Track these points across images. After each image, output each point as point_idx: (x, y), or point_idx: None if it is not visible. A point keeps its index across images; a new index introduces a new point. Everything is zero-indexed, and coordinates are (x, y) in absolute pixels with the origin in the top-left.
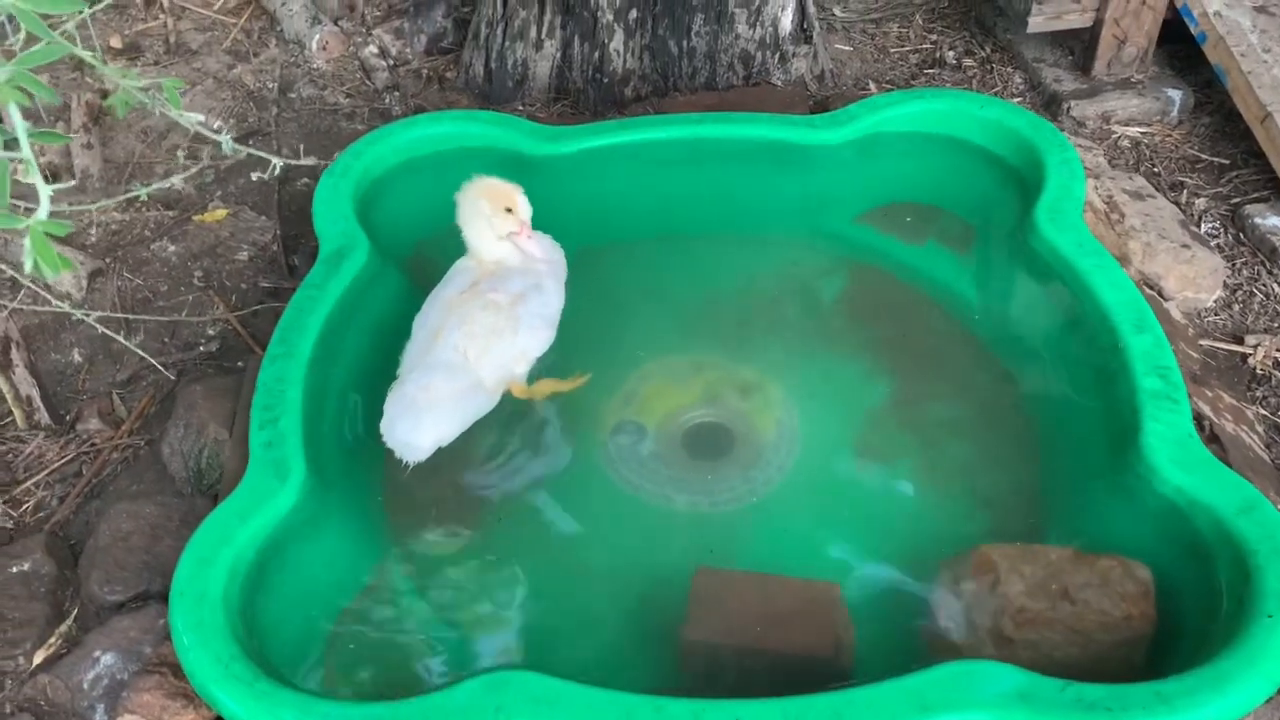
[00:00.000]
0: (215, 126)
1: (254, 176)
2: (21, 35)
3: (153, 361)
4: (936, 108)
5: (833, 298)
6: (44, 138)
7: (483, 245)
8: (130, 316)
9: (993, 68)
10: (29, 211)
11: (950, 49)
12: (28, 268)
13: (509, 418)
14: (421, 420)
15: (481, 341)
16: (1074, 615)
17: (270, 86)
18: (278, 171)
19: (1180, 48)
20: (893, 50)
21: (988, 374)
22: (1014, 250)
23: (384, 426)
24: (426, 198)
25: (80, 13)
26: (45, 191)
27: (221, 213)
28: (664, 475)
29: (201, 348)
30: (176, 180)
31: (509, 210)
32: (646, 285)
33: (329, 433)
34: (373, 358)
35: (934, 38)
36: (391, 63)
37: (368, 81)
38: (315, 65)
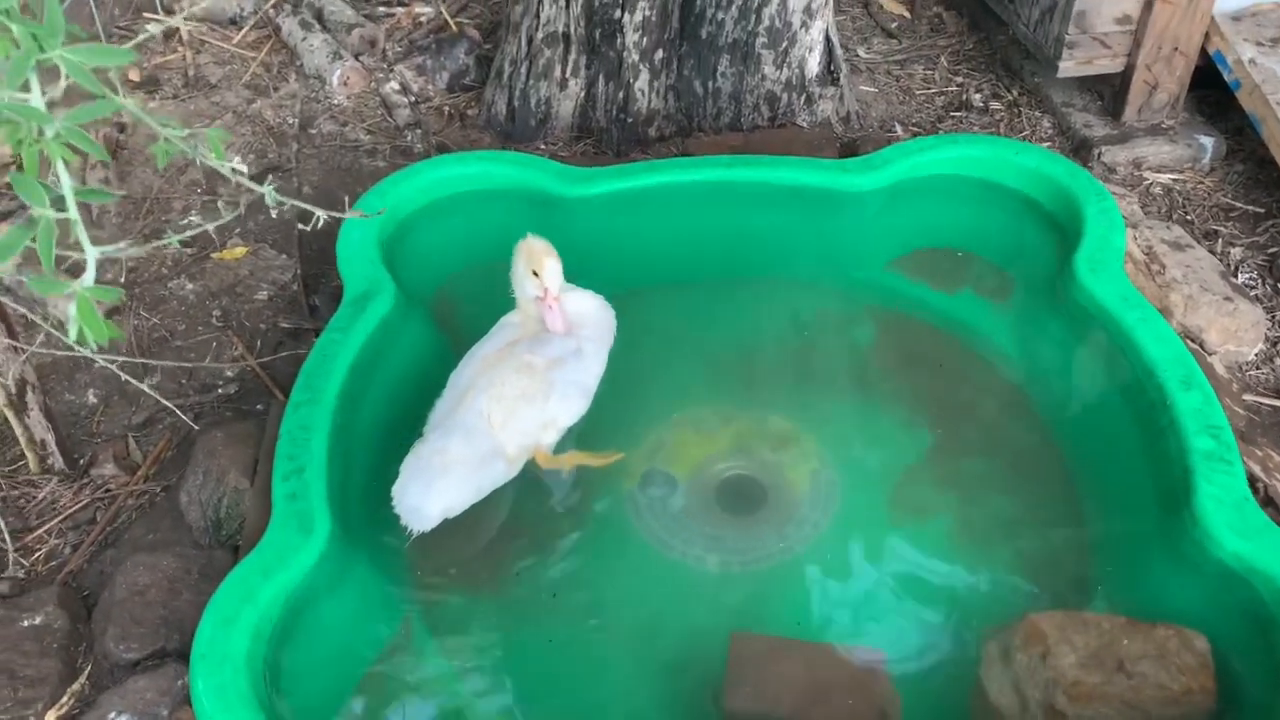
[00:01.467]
0: (235, 164)
1: (274, 213)
2: (61, 85)
3: (169, 405)
4: (972, 154)
5: (865, 346)
6: (90, 195)
7: (526, 303)
8: (148, 361)
9: (1020, 111)
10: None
11: (977, 91)
12: (72, 336)
13: (532, 464)
14: (432, 486)
15: (508, 406)
16: (1130, 689)
17: (291, 122)
18: (320, 224)
19: (1211, 93)
20: (918, 92)
21: (1028, 427)
22: (1053, 300)
23: (396, 489)
24: (452, 239)
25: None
26: (92, 255)
27: (241, 250)
28: (695, 531)
29: (220, 390)
30: (208, 225)
31: (535, 274)
32: (675, 330)
33: (354, 483)
34: (399, 405)
35: (960, 80)
36: (413, 99)
37: (389, 118)
38: (336, 101)
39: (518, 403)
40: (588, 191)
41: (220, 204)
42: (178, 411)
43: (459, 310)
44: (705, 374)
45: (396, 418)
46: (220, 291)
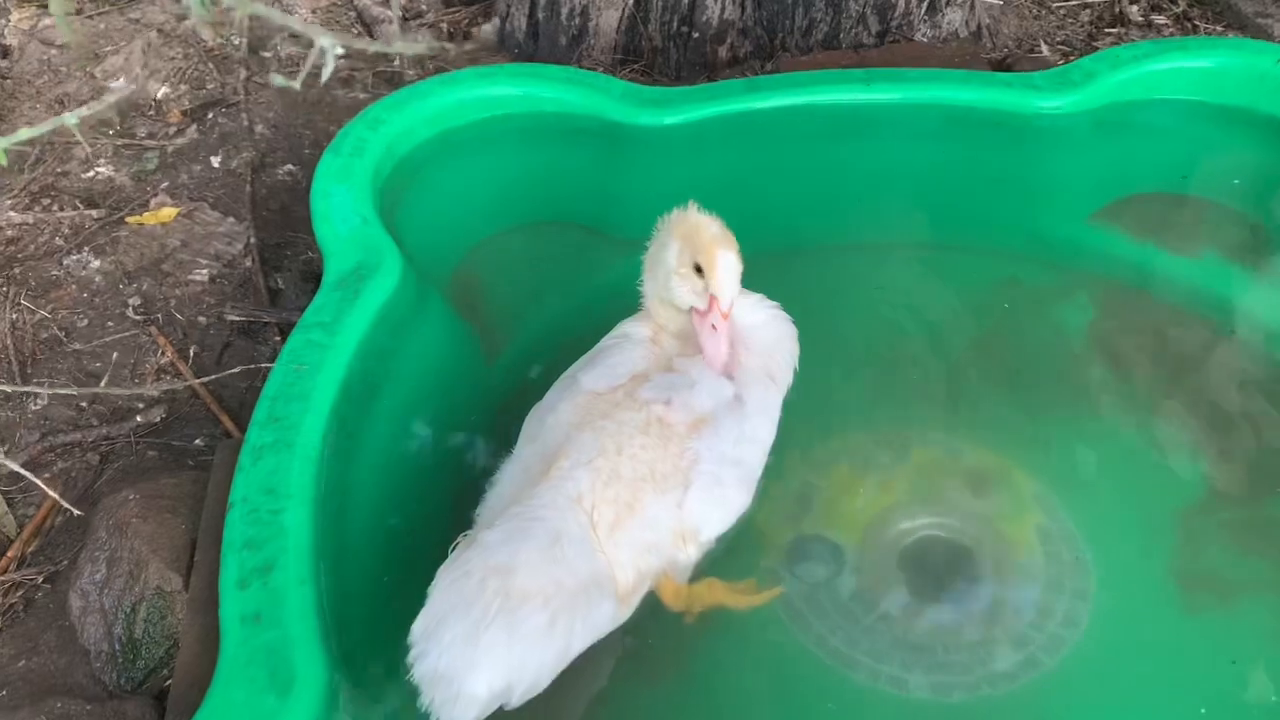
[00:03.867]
0: (160, 94)
1: (215, 162)
2: None
3: (58, 441)
4: (1208, 63)
5: (1082, 333)
6: None
7: (667, 310)
8: (29, 389)
9: (1196, 27)
10: None
11: (1133, 3)
12: None
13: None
14: (482, 641)
15: (623, 493)
16: None
17: (237, 43)
18: (332, 64)
19: None
20: (1055, 6)
21: None
22: None
23: (419, 638)
24: (476, 189)
25: None
26: None
27: (170, 212)
28: (881, 633)
29: (139, 417)
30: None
31: (699, 271)
32: (804, 320)
33: (355, 582)
34: (425, 452)
35: None
36: (400, 13)
37: (368, 36)
38: (297, 13)
39: (640, 489)
40: (666, 120)
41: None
42: (73, 450)
43: (491, 298)
44: (857, 382)
45: (419, 475)
46: (140, 270)
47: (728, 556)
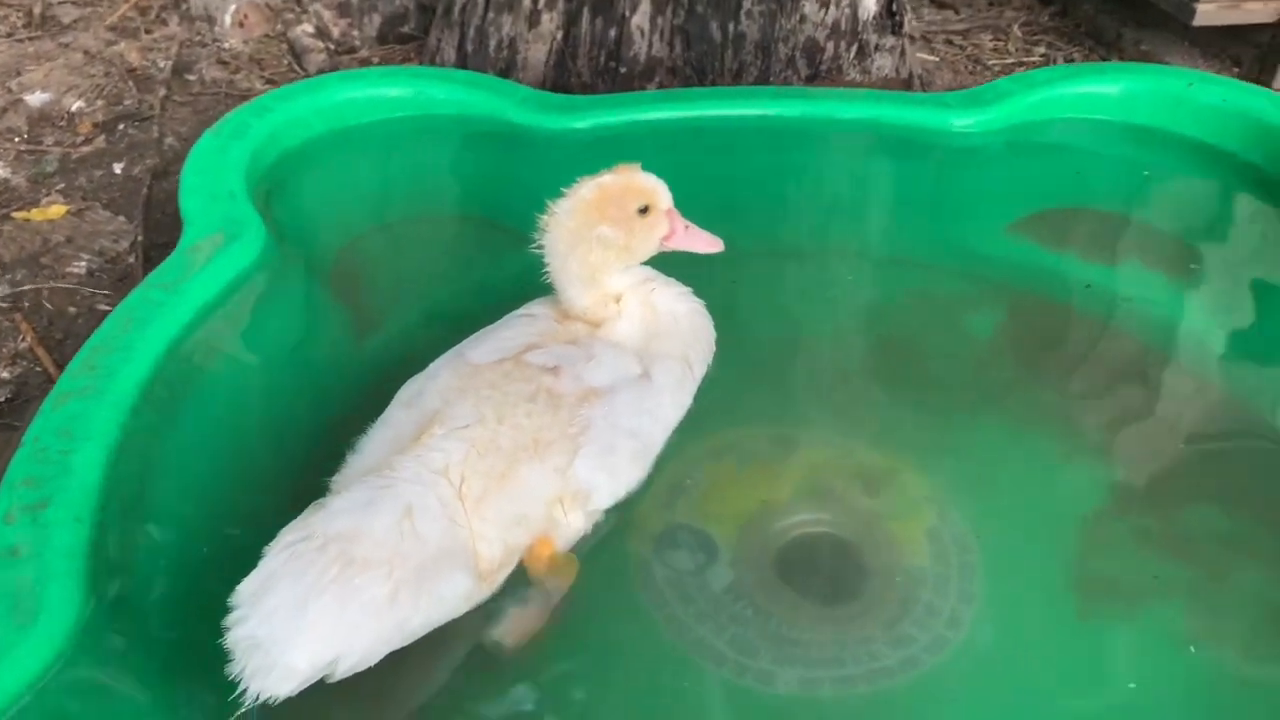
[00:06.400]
0: (74, 108)
1: (118, 169)
2: None
3: None
4: (1125, 88)
5: (988, 340)
6: None
7: (581, 293)
8: None
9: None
10: None
11: (1067, 61)
12: None
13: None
14: (311, 610)
15: (497, 464)
16: None
17: (161, 65)
18: None
19: None
20: (990, 62)
21: (1274, 458)
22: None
23: (242, 599)
24: (365, 182)
25: None
26: None
27: (59, 210)
28: (751, 627)
29: None
30: None
31: (644, 211)
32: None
33: (153, 548)
34: (273, 424)
35: (1042, 50)
36: (332, 46)
37: (297, 67)
38: (228, 45)
39: (518, 459)
40: (569, 125)
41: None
42: None
43: (374, 283)
44: (754, 382)
45: (262, 441)
46: (16, 262)
47: (599, 543)
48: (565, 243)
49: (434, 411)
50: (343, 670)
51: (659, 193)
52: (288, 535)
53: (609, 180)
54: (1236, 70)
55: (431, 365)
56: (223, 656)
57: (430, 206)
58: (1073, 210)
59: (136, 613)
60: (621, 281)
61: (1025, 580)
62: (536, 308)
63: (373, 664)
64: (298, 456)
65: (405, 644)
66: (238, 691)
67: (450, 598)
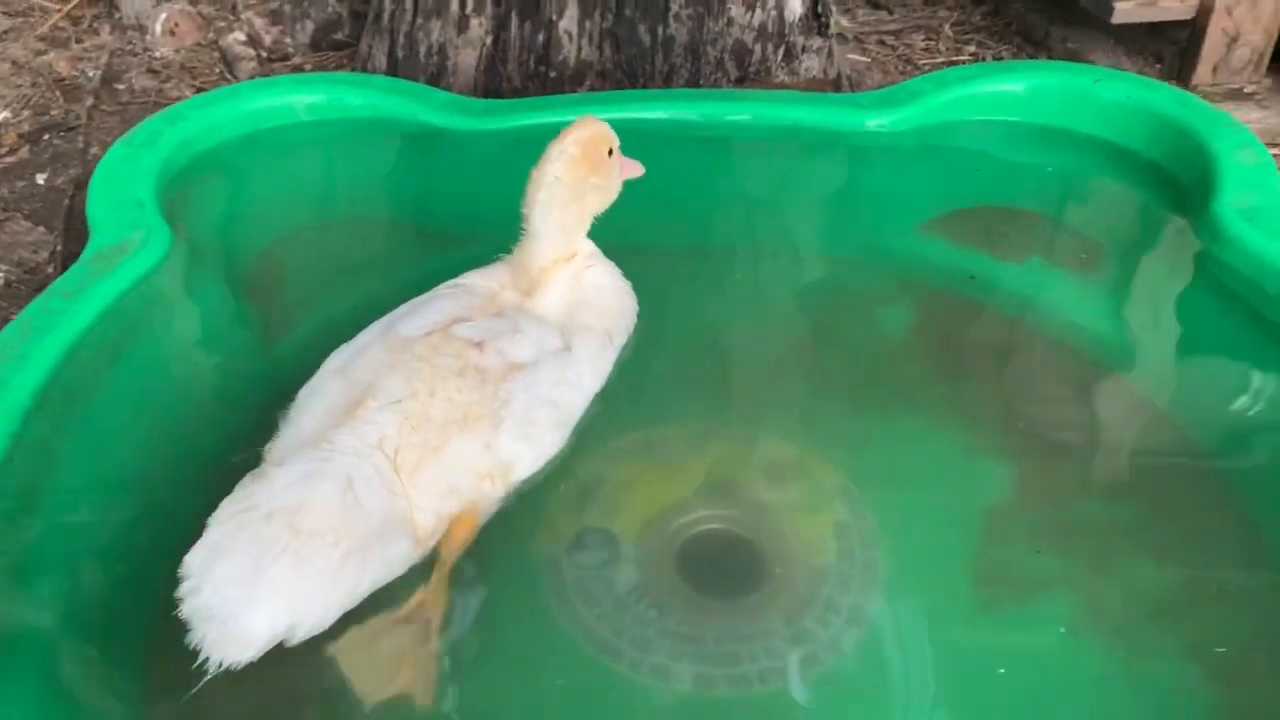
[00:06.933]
0: (0, 119)
1: (40, 179)
2: None
3: None
4: (1032, 85)
5: (901, 335)
6: None
7: (557, 244)
8: None
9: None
10: None
11: (996, 59)
12: None
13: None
14: (264, 578)
15: (430, 436)
16: None
17: (90, 75)
18: None
19: None
20: (921, 62)
21: (1169, 450)
22: (1180, 267)
23: (192, 570)
24: (282, 188)
25: None
26: None
27: None
28: (651, 625)
29: None
30: None
31: (610, 154)
32: None
33: (42, 548)
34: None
35: (972, 49)
36: (264, 54)
37: (229, 75)
38: (159, 54)
39: (448, 432)
40: (486, 128)
41: None
42: None
43: (290, 288)
44: (667, 380)
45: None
46: None
47: (506, 543)
48: (565, 196)
49: (366, 384)
50: (300, 635)
51: (614, 135)
52: (230, 507)
53: (584, 134)
54: (1159, 66)
55: (360, 335)
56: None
57: (348, 211)
58: (982, 209)
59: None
60: (583, 246)
61: (925, 575)
62: (470, 278)
63: (327, 627)
64: (201, 461)
65: (354, 605)
66: (202, 659)
67: (394, 560)
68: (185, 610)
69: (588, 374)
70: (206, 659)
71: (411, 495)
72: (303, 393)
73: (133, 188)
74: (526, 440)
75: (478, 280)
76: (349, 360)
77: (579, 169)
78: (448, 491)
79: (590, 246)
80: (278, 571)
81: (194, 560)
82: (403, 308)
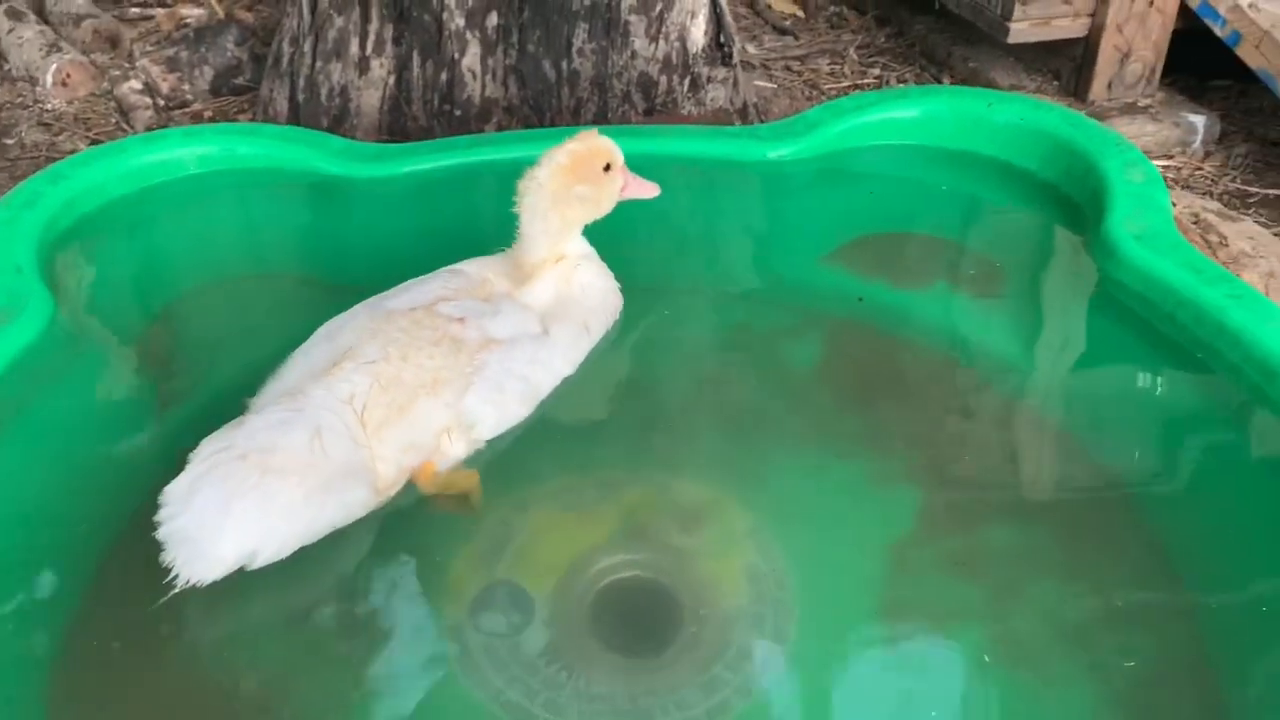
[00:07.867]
0: None
1: None
2: None
3: None
4: (927, 111)
5: (806, 369)
6: None
7: (545, 244)
8: None
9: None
10: None
11: (899, 82)
12: None
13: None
14: (236, 505)
15: (398, 398)
16: None
17: None
18: None
19: (1182, 79)
20: (827, 86)
21: (1076, 474)
22: (1077, 286)
23: (173, 495)
24: (176, 245)
25: None
26: None
27: None
28: (565, 686)
29: None
30: None
31: (607, 169)
32: None
33: None
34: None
35: (876, 72)
36: (161, 102)
37: (125, 125)
38: (51, 105)
39: (417, 394)
40: (382, 174)
41: None
42: None
43: (184, 348)
44: (570, 423)
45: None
46: None
47: (411, 603)
48: (547, 202)
49: (347, 347)
50: (260, 561)
51: (616, 152)
52: (210, 446)
53: (577, 147)
54: (1057, 83)
55: (353, 308)
56: None
57: (244, 267)
58: (884, 235)
59: None
60: (574, 247)
61: (837, 612)
62: (467, 265)
63: (285, 557)
64: (90, 529)
65: (312, 541)
66: (172, 575)
67: (351, 504)
68: (162, 533)
69: (560, 358)
70: (177, 571)
71: (375, 448)
72: (294, 353)
73: (11, 253)
74: (492, 404)
75: (474, 267)
76: (337, 327)
77: (564, 178)
78: (409, 446)
79: (584, 248)
80: (247, 505)
81: (175, 489)
82: (397, 286)
